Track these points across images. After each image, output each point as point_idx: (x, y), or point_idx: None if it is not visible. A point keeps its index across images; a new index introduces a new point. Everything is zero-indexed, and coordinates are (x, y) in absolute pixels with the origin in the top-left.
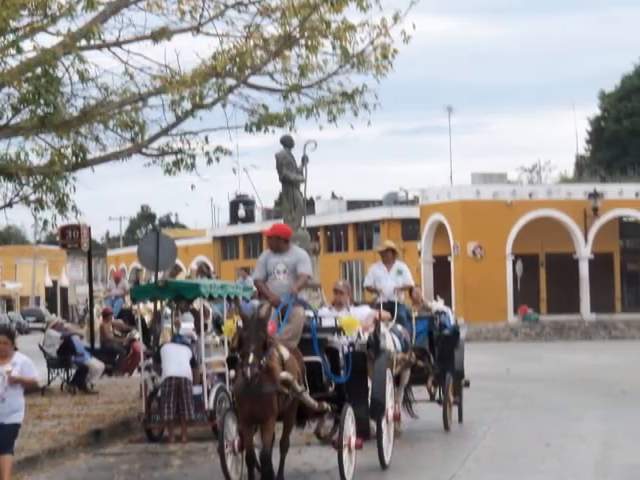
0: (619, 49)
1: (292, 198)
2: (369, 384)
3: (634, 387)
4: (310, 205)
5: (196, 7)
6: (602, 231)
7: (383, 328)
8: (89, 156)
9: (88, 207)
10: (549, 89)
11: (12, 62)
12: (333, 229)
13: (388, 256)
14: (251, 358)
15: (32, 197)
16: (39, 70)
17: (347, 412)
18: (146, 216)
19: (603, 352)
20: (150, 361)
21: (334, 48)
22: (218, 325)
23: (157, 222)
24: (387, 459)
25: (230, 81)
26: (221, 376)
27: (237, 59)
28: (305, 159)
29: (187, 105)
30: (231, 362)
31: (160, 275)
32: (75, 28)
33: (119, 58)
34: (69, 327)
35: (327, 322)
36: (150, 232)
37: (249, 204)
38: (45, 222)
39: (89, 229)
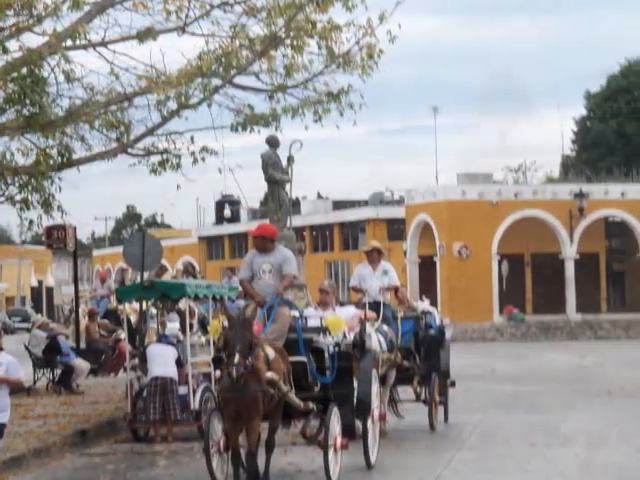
0: (605, 49)
1: (278, 198)
2: (355, 384)
3: (620, 387)
4: (296, 205)
5: (182, 7)
6: (588, 231)
7: (369, 328)
8: (75, 156)
9: (74, 207)
10: (535, 89)
11: None
12: (319, 229)
13: (374, 256)
14: (237, 358)
15: (18, 197)
16: (25, 70)
17: (333, 412)
18: (132, 216)
19: (589, 352)
20: (136, 361)
21: (320, 48)
22: (204, 325)
23: (143, 222)
24: (373, 459)
25: (216, 81)
26: (207, 376)
27: (223, 59)
28: (291, 159)
29: (173, 105)
30: (217, 362)
31: (146, 275)
32: (61, 28)
33: (105, 58)
34: (55, 327)
35: (313, 322)
36: (136, 232)
37: (235, 204)
38: (31, 222)
39: (75, 229)
